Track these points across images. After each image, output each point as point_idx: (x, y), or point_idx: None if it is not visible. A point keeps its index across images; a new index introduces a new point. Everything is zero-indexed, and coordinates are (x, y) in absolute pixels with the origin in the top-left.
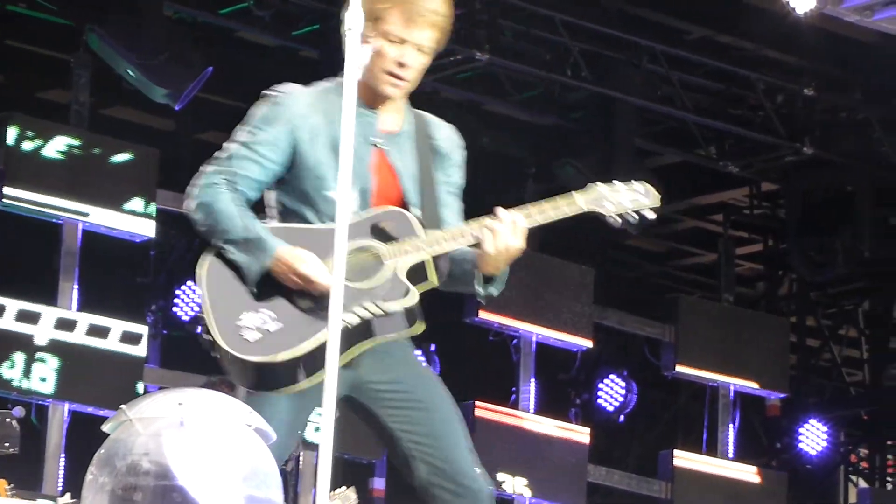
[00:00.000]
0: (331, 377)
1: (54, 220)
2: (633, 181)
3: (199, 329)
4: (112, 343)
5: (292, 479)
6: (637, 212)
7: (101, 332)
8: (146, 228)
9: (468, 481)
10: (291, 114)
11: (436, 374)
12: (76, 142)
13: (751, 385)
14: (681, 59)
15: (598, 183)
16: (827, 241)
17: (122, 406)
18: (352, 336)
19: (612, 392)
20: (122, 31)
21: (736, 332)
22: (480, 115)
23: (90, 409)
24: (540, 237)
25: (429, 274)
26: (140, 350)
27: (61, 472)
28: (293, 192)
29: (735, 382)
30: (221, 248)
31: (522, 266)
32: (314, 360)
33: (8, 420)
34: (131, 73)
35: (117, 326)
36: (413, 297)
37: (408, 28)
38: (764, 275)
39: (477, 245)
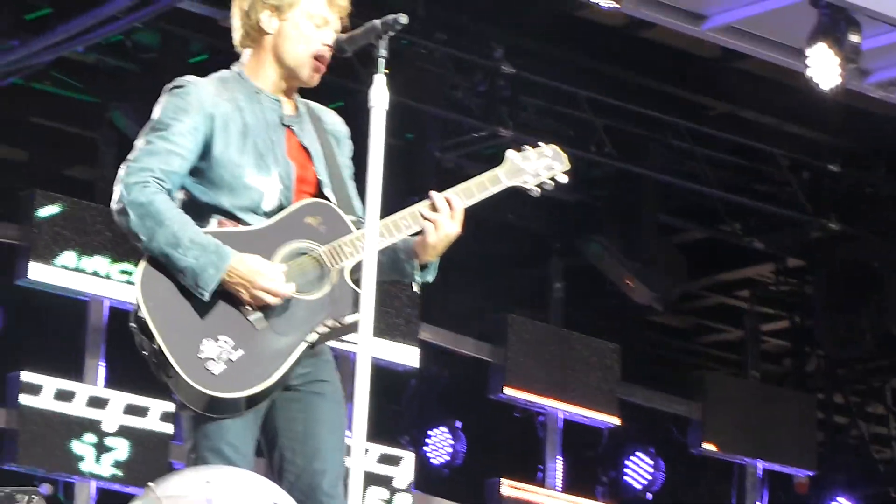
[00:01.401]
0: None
1: (80, 298)
2: (540, 144)
3: (145, 352)
4: (146, 421)
5: None
6: (552, 178)
7: (139, 411)
8: None
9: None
10: (202, 101)
11: (336, 375)
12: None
13: (778, 462)
14: (704, 134)
15: (511, 151)
16: (854, 318)
17: (150, 484)
18: (305, 352)
19: (639, 470)
20: (147, 108)
21: (763, 409)
22: (505, 191)
23: (117, 487)
24: (565, 314)
25: None
26: (168, 427)
27: None
28: (208, 182)
29: (763, 460)
30: (165, 254)
31: (548, 342)
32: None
33: (35, 497)
34: None
35: (156, 406)
36: None
37: (330, 9)
38: (790, 351)
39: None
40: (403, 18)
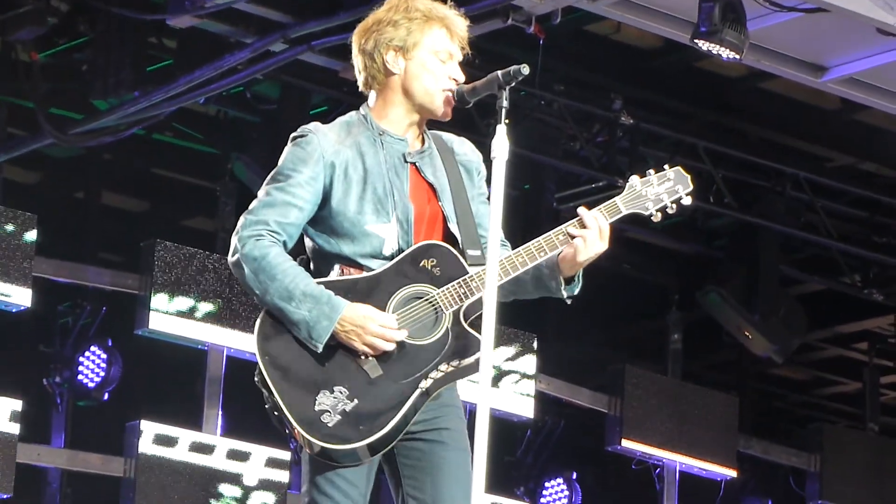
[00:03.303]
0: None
1: (199, 347)
2: (665, 167)
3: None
4: (255, 468)
5: None
6: (675, 202)
7: (242, 456)
8: None
9: None
10: (323, 150)
11: (463, 419)
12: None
13: None
14: (824, 186)
15: (633, 178)
16: None
17: None
18: (420, 399)
19: None
20: (267, 159)
21: (882, 461)
22: (623, 242)
23: None
24: (683, 365)
25: None
26: (282, 476)
27: None
28: (329, 231)
29: None
30: (279, 307)
31: (666, 394)
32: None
33: None
34: None
35: (260, 452)
36: None
37: (452, 42)
38: None
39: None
40: (525, 70)
